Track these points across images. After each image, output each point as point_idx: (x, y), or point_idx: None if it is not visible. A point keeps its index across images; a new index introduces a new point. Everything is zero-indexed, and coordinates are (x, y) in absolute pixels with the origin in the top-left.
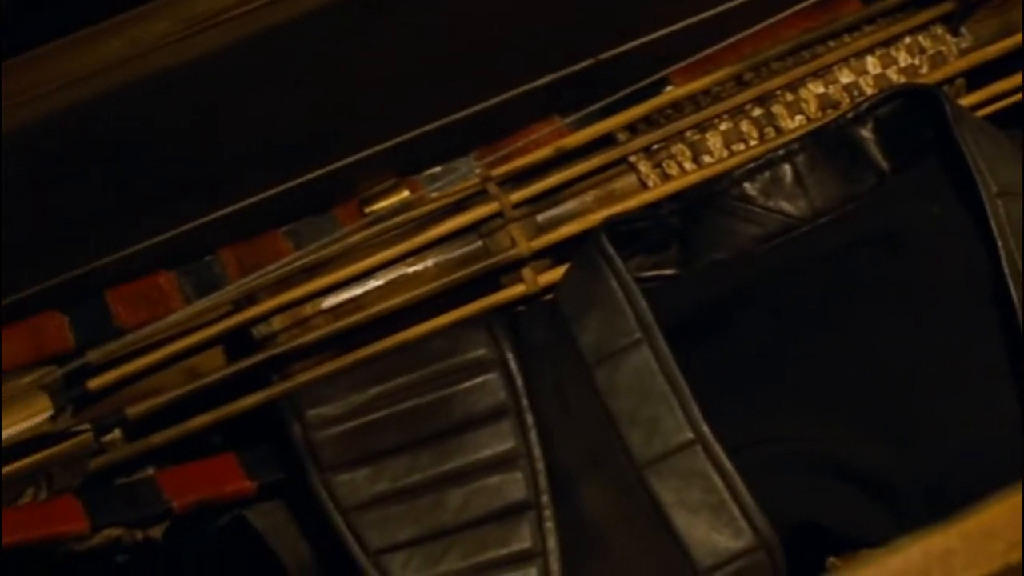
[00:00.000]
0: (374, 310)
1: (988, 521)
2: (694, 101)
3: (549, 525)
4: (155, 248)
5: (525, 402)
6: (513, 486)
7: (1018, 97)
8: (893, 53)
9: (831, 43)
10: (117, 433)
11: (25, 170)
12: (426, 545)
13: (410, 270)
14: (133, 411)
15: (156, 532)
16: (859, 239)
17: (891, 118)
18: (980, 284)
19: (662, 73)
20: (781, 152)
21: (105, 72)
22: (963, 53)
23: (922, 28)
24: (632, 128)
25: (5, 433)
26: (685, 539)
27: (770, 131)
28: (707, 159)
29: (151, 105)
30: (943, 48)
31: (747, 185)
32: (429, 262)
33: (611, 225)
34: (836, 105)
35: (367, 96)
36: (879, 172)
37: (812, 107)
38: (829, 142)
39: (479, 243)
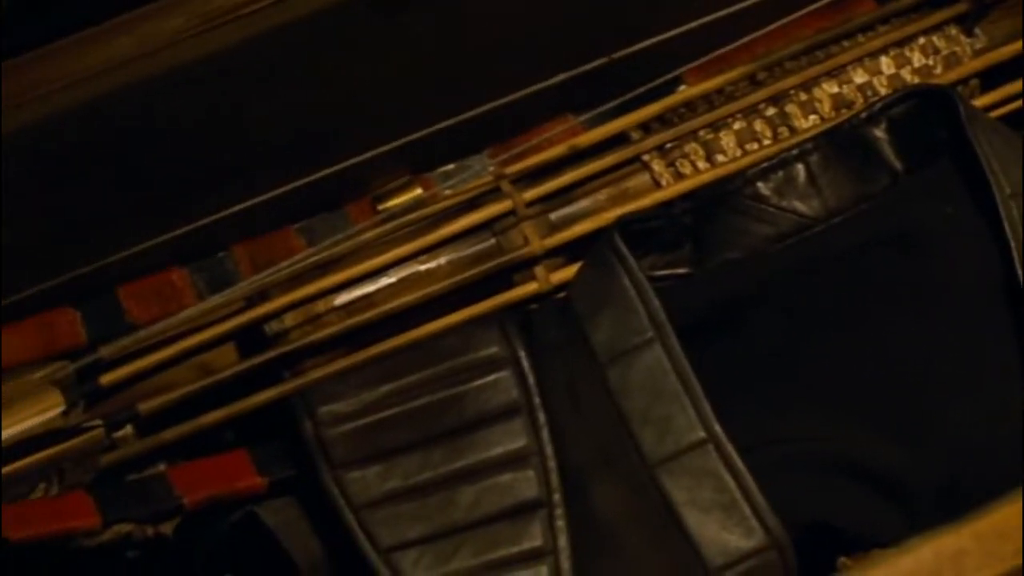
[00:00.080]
0: (386, 307)
1: (1000, 522)
2: (708, 100)
3: (560, 523)
4: (168, 244)
5: (537, 400)
6: (524, 484)
7: None
8: (907, 53)
9: (845, 43)
10: (129, 429)
11: (37, 166)
12: (437, 543)
13: (422, 267)
14: (145, 407)
15: (167, 528)
16: (872, 239)
17: (905, 118)
18: (993, 284)
19: (676, 72)
20: (795, 152)
21: (117, 69)
22: (977, 54)
23: (936, 29)
24: (646, 127)
25: (17, 428)
26: (696, 538)
27: (784, 131)
28: (720, 158)
29: (163, 102)
30: (957, 49)
31: (760, 184)
32: (442, 260)
33: (624, 224)
34: (850, 105)
35: (380, 93)
36: (892, 172)
37: (826, 107)
38: (843, 142)
39: (492, 241)
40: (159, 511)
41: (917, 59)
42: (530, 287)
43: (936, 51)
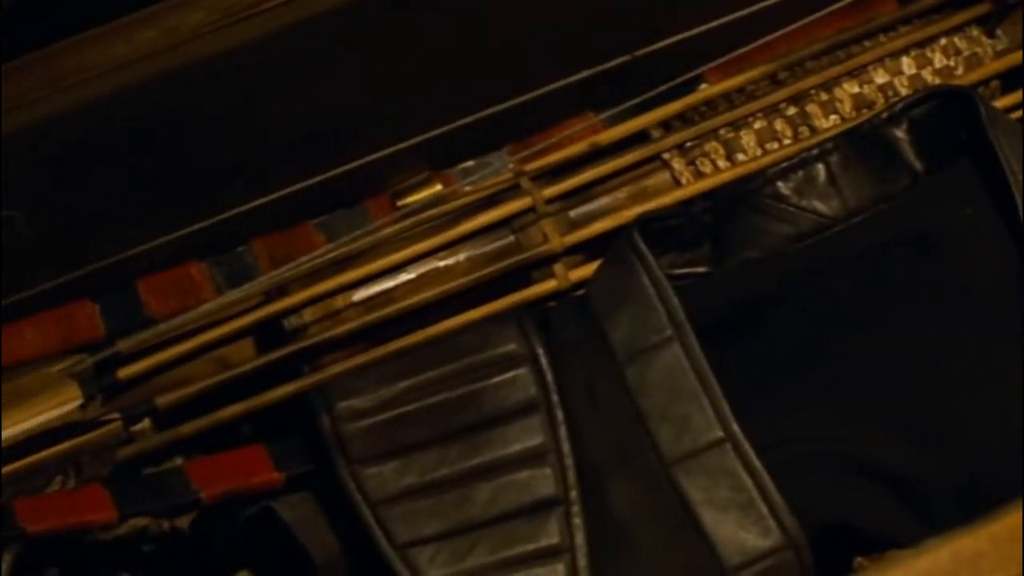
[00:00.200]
0: (405, 303)
1: (1018, 524)
2: (728, 99)
3: (577, 521)
4: (187, 238)
5: (555, 398)
6: (542, 482)
7: None
8: (928, 54)
9: (866, 43)
10: (146, 422)
11: (59, 158)
12: (454, 539)
13: (442, 264)
14: (163, 401)
15: (183, 522)
16: (892, 239)
17: (925, 119)
18: (1012, 285)
19: (697, 71)
20: (815, 151)
21: (140, 62)
22: (998, 55)
23: (958, 29)
24: (666, 125)
25: (35, 421)
26: (713, 537)
27: (804, 130)
28: (741, 157)
29: (185, 95)
30: (978, 50)
31: (780, 184)
32: (461, 256)
33: (644, 222)
34: (871, 105)
35: (400, 89)
36: (912, 173)
37: (847, 107)
38: (863, 142)
39: (511, 238)
40: (176, 505)
41: (938, 60)
42: (549, 284)
43: (957, 52)
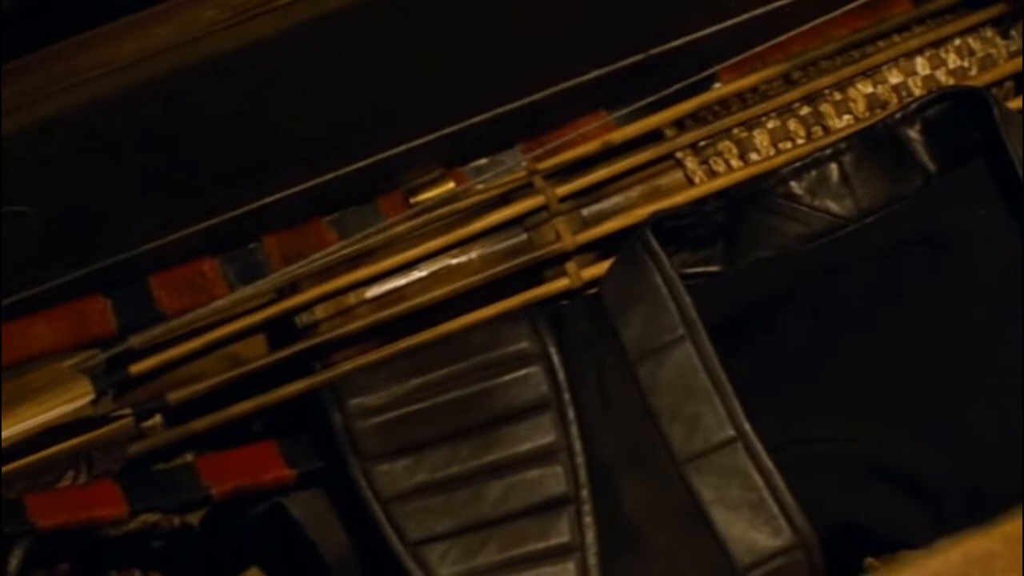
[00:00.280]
0: (417, 301)
1: None
2: (742, 99)
3: (588, 520)
4: (199, 234)
5: (566, 396)
6: (552, 480)
7: None
8: (942, 55)
9: (880, 43)
10: (157, 418)
11: (72, 154)
12: (464, 537)
13: (454, 262)
14: (174, 397)
15: (194, 518)
16: (904, 240)
17: (939, 119)
18: None
19: (711, 70)
20: (828, 151)
21: (152, 58)
22: (1013, 56)
23: (972, 30)
24: (679, 124)
25: (47, 416)
26: (724, 536)
27: (817, 130)
28: (754, 157)
29: (198, 92)
30: (993, 51)
31: (793, 184)
32: (473, 254)
33: (657, 221)
34: (884, 105)
35: (414, 87)
36: (926, 173)
37: (860, 107)
38: (876, 142)
39: (524, 236)
40: (186, 501)
41: (952, 60)
42: (561, 283)
43: (972, 53)
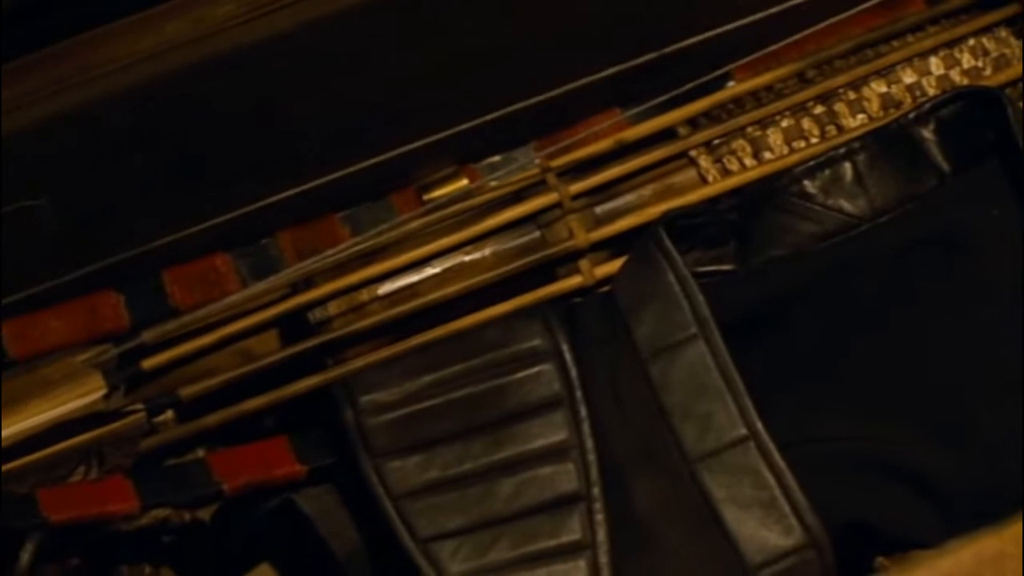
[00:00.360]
0: (430, 298)
1: None
2: (756, 97)
3: (599, 517)
4: (212, 230)
5: (579, 393)
6: (564, 477)
7: None
8: (956, 55)
9: (895, 43)
10: (169, 414)
11: (86, 148)
12: (475, 534)
13: (467, 259)
14: (186, 392)
15: (205, 514)
16: (917, 239)
17: (953, 119)
18: None
19: (725, 68)
20: (842, 150)
21: (168, 53)
22: None
23: (986, 30)
24: (693, 123)
25: (59, 410)
26: (735, 535)
27: (831, 129)
28: (767, 155)
29: (213, 87)
30: (1007, 51)
31: (807, 182)
32: (486, 251)
33: (670, 219)
34: (898, 105)
35: (429, 84)
36: (939, 173)
37: (874, 106)
38: (890, 142)
39: (537, 233)
40: (198, 496)
41: (967, 60)
42: (574, 280)
43: (986, 53)
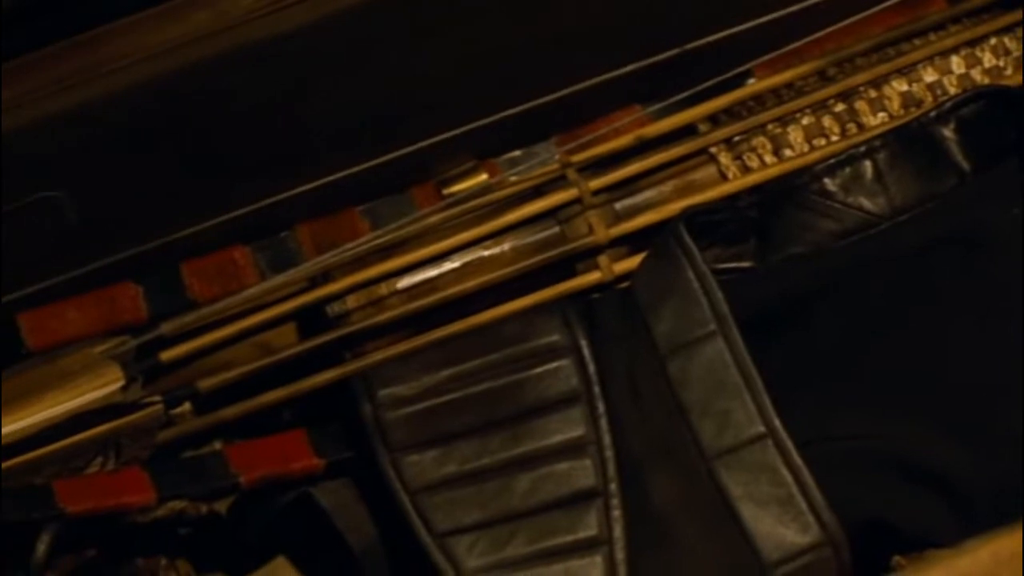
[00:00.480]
0: (449, 292)
1: None
2: (777, 94)
3: (616, 514)
4: (231, 222)
5: (597, 389)
6: (581, 473)
7: None
8: (978, 54)
9: (916, 41)
10: (187, 406)
11: (105, 140)
12: (492, 529)
13: (486, 253)
14: (204, 384)
15: (221, 506)
16: (937, 238)
17: (974, 118)
18: None
19: (746, 66)
20: (862, 148)
21: (190, 45)
22: None
23: (1008, 30)
24: (714, 119)
25: (76, 401)
26: (752, 532)
27: (852, 127)
28: (788, 153)
29: (234, 79)
30: None
31: (827, 180)
32: (505, 246)
33: (690, 215)
34: (919, 103)
35: (450, 78)
36: (960, 172)
37: (895, 104)
38: (911, 140)
39: (556, 229)
40: (215, 489)
41: (988, 60)
42: (593, 276)
43: (1007, 52)
